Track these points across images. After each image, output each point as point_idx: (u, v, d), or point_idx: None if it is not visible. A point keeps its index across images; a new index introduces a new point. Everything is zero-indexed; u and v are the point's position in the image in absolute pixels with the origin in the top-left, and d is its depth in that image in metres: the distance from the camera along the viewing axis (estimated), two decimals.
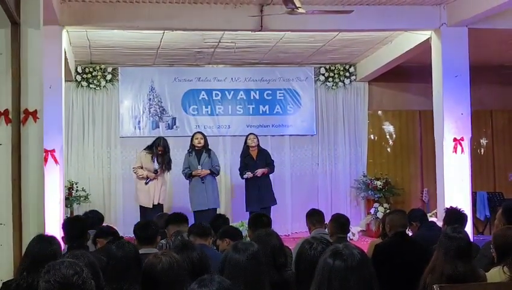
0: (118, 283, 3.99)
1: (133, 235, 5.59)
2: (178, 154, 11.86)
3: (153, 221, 6.07)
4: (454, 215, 6.30)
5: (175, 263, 3.47)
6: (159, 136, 10.78)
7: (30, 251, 4.23)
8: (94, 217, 6.99)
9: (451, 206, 6.79)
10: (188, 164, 10.26)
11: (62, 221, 8.46)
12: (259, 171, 10.31)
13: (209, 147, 10.43)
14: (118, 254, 4.13)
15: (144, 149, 10.41)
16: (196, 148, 10.26)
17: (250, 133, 10.80)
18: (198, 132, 10.62)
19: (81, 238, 5.68)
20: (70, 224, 5.96)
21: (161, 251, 4.39)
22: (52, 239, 4.35)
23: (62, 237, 5.84)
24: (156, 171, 10.16)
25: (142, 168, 10.22)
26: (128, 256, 4.15)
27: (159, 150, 10.20)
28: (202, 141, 10.28)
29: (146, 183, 10.11)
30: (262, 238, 4.41)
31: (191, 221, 7.20)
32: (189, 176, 10.25)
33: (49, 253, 4.10)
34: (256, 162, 10.42)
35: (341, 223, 6.18)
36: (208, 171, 10.17)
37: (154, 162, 10.19)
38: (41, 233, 4.94)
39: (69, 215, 10.24)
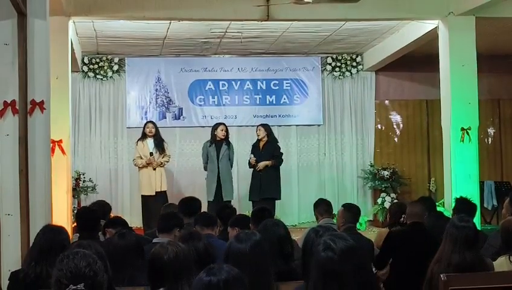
0: (122, 272, 4.02)
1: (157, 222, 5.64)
2: (185, 144, 11.92)
3: (173, 213, 6.05)
4: (464, 205, 6.30)
5: (181, 252, 3.48)
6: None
7: (38, 241, 4.25)
8: (101, 208, 7.01)
9: (461, 196, 6.79)
10: (207, 154, 10.31)
11: (71, 211, 8.55)
12: (262, 165, 10.26)
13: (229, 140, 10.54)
14: (119, 244, 4.18)
15: (138, 140, 10.52)
16: (218, 139, 10.29)
17: (259, 125, 10.80)
18: (222, 124, 10.54)
19: (93, 229, 5.71)
20: (84, 215, 6.00)
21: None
22: (60, 229, 4.37)
23: (74, 227, 5.88)
24: (151, 154, 10.24)
25: (141, 158, 10.31)
26: (128, 246, 4.18)
27: (148, 131, 10.36)
28: (225, 133, 10.34)
29: (154, 169, 10.19)
30: (269, 228, 4.42)
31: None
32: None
33: (57, 243, 4.12)
34: (261, 153, 10.38)
35: (352, 213, 6.19)
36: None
37: (148, 146, 10.34)
38: (50, 223, 4.97)
39: (76, 206, 10.31)
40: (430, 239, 5.49)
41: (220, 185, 10.17)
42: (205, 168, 10.46)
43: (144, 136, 10.44)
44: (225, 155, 10.26)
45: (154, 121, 11.01)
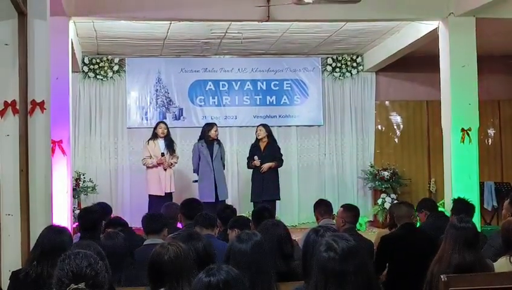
0: (116, 274, 4.03)
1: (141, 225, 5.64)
2: (185, 145, 11.89)
3: (160, 214, 6.07)
4: (462, 206, 6.30)
5: (182, 252, 3.48)
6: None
7: (41, 241, 4.26)
8: (103, 209, 7.00)
9: (459, 197, 6.78)
10: (199, 155, 10.28)
11: (72, 212, 8.54)
12: (266, 167, 10.27)
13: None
14: (107, 244, 4.18)
15: (149, 139, 10.52)
16: (210, 139, 10.28)
17: (259, 125, 10.80)
18: (215, 123, 10.58)
19: (94, 230, 5.71)
20: (85, 215, 6.00)
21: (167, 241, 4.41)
22: (63, 230, 4.37)
23: (74, 227, 5.87)
24: (162, 154, 10.26)
25: (151, 157, 10.32)
26: (115, 246, 4.19)
27: (161, 132, 10.38)
28: (217, 133, 10.35)
29: (165, 169, 10.24)
30: (269, 228, 4.43)
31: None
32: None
33: (59, 244, 4.13)
34: (262, 154, 10.38)
35: (352, 213, 6.19)
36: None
37: (159, 146, 10.37)
38: (52, 224, 4.98)
39: (76, 206, 10.30)
40: (423, 238, 5.51)
41: (216, 185, 10.18)
42: (195, 171, 10.44)
43: (155, 136, 10.45)
44: (218, 155, 10.27)
45: (155, 122, 11.06)
